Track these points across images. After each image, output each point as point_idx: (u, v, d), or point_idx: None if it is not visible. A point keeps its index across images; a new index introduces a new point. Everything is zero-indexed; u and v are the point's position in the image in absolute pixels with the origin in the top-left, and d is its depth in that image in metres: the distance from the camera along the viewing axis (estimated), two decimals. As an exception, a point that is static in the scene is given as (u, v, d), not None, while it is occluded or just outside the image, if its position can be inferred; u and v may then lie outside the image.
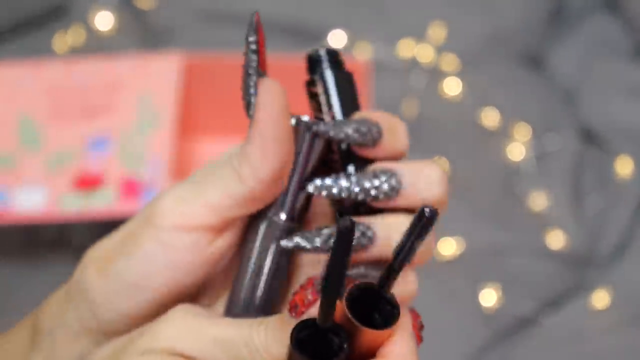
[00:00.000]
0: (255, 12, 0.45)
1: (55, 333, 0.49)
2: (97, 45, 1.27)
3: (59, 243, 1.15)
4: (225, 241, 0.47)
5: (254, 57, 0.46)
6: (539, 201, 1.16)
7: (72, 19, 1.30)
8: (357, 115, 0.47)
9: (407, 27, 1.27)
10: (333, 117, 0.47)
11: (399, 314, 0.43)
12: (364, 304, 0.43)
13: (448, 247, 1.12)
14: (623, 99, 1.24)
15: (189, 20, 1.30)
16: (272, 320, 0.44)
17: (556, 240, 1.14)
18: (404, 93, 1.23)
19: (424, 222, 0.40)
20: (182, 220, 0.45)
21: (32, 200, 1.07)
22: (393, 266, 0.42)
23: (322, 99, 0.48)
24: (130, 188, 1.06)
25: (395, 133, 0.47)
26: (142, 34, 1.30)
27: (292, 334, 0.42)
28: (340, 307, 0.42)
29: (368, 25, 1.27)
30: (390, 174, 0.46)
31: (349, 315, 0.42)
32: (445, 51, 1.26)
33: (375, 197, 0.46)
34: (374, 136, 0.46)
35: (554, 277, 1.12)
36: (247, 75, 0.46)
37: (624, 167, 1.18)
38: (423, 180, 0.46)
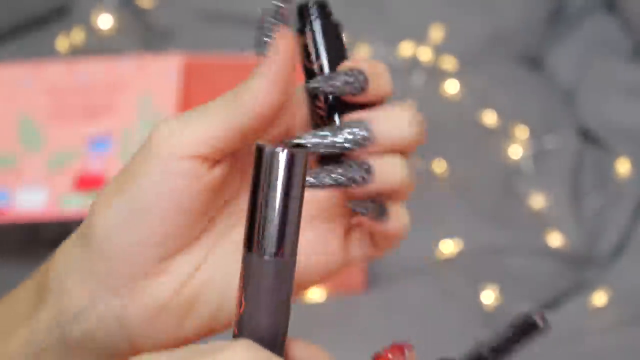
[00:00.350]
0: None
1: (63, 281, 0.49)
2: (97, 46, 1.27)
3: (60, 243, 1.15)
4: (223, 169, 0.47)
5: (288, 5, 0.47)
6: (538, 201, 1.17)
7: (73, 19, 1.30)
8: (344, 66, 0.49)
9: (407, 27, 1.27)
10: (321, 67, 0.49)
11: None
12: None
13: (448, 246, 1.13)
14: (622, 99, 1.25)
15: (189, 20, 1.30)
16: None
17: (555, 239, 1.14)
18: (404, 93, 1.23)
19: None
20: (176, 149, 0.45)
21: (33, 201, 1.07)
22: None
23: (311, 48, 0.49)
24: (131, 188, 1.07)
25: (379, 78, 0.48)
26: (143, 34, 1.31)
27: None
28: None
29: (368, 26, 1.27)
30: (362, 124, 0.47)
31: None
32: (444, 51, 1.26)
33: (348, 149, 0.47)
34: (361, 85, 0.48)
35: (554, 276, 1.13)
36: (272, 18, 0.47)
37: (623, 167, 1.18)
38: (394, 125, 0.48)
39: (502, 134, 1.21)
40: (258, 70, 0.47)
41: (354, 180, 0.46)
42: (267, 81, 0.47)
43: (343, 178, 0.46)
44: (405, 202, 0.49)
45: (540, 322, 0.40)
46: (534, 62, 1.30)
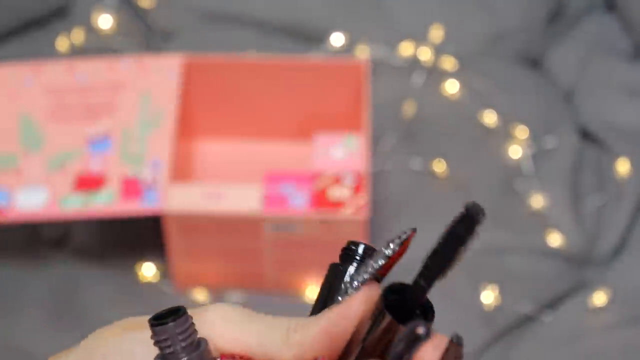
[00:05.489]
0: (412, 231, 0.43)
1: None
2: (97, 46, 1.27)
3: (60, 243, 1.15)
4: None
5: (381, 261, 0.44)
6: (538, 201, 1.17)
7: (73, 19, 1.30)
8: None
9: (407, 28, 1.27)
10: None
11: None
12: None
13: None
14: (622, 99, 1.25)
15: (189, 20, 1.30)
16: None
17: (555, 239, 1.14)
18: (404, 93, 1.23)
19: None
20: None
21: (33, 200, 1.07)
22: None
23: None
24: (131, 188, 1.07)
25: None
26: (143, 34, 1.31)
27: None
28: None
29: (368, 27, 1.27)
30: None
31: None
32: (444, 51, 1.26)
33: None
34: None
35: (553, 276, 1.13)
36: (364, 268, 0.44)
37: (622, 167, 1.18)
38: None
39: (502, 134, 1.21)
40: (325, 313, 0.43)
41: None
42: (323, 330, 0.43)
43: None
44: None
45: (478, 215, 0.39)
46: (534, 62, 1.30)
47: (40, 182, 1.08)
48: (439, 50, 1.26)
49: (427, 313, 0.43)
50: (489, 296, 1.10)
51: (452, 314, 1.09)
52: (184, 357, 0.43)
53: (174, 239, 1.08)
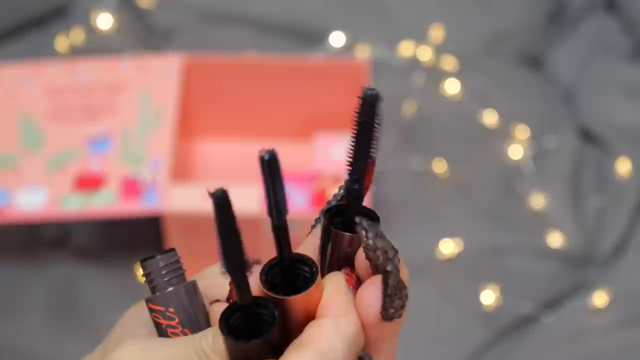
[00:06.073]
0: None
1: None
2: (97, 46, 1.27)
3: (59, 243, 1.15)
4: None
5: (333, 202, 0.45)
6: (538, 201, 1.17)
7: (73, 19, 1.30)
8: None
9: (407, 27, 1.27)
10: None
11: (316, 272, 0.42)
12: (286, 270, 0.43)
13: (448, 246, 1.13)
14: (622, 99, 1.25)
15: (189, 20, 1.30)
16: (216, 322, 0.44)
17: (555, 239, 1.14)
18: (404, 93, 1.23)
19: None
20: None
21: (33, 201, 1.07)
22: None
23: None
24: (131, 188, 1.07)
25: None
26: (142, 34, 1.30)
27: (220, 321, 0.41)
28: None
29: (368, 27, 1.27)
30: None
31: (266, 292, 0.42)
32: (444, 51, 1.26)
33: None
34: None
35: (554, 276, 1.13)
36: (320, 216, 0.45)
37: (623, 167, 1.18)
38: None
39: (502, 134, 1.21)
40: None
41: None
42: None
43: None
44: None
45: (375, 97, 0.39)
46: (534, 62, 1.30)
47: (40, 182, 1.08)
48: (439, 50, 1.26)
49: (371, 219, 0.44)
50: (489, 296, 1.10)
51: (452, 314, 1.08)
52: (169, 288, 0.45)
53: (174, 239, 1.08)
